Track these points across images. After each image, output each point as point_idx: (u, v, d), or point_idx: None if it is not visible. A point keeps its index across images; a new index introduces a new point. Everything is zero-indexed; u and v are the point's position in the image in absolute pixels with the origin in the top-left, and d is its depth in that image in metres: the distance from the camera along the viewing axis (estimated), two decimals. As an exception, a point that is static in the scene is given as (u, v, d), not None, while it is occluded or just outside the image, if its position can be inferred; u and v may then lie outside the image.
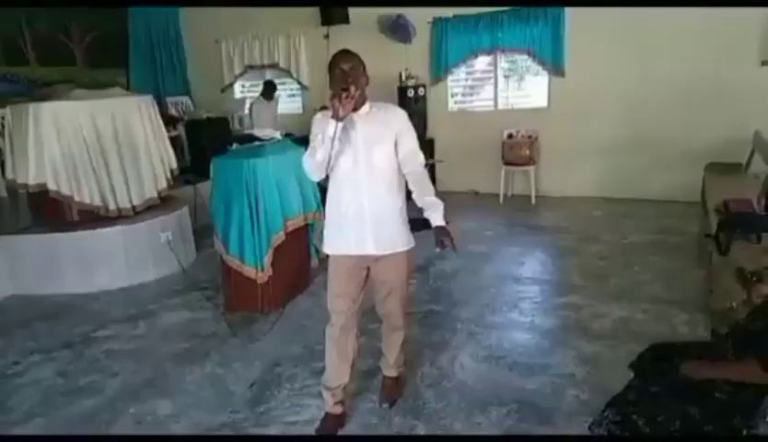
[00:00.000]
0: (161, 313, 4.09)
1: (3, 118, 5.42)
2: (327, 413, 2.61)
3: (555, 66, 6.71)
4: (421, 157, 2.44)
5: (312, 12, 7.79)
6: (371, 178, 2.33)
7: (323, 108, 3.20)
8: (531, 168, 6.77)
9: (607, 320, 3.54)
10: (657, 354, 2.05)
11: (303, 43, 8.22)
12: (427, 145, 7.28)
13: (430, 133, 7.47)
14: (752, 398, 1.74)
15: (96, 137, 4.66)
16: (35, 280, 4.56)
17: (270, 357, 3.31)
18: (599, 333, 3.38)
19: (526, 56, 6.96)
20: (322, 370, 2.63)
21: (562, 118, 6.79)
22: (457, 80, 7.57)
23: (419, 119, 7.18)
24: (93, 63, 8.20)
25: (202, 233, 5.41)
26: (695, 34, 5.91)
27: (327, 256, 2.52)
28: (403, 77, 7.23)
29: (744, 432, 1.72)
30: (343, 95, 2.15)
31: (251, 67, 8.75)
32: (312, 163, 2.29)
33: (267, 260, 3.75)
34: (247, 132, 7.17)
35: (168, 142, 5.41)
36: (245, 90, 9.22)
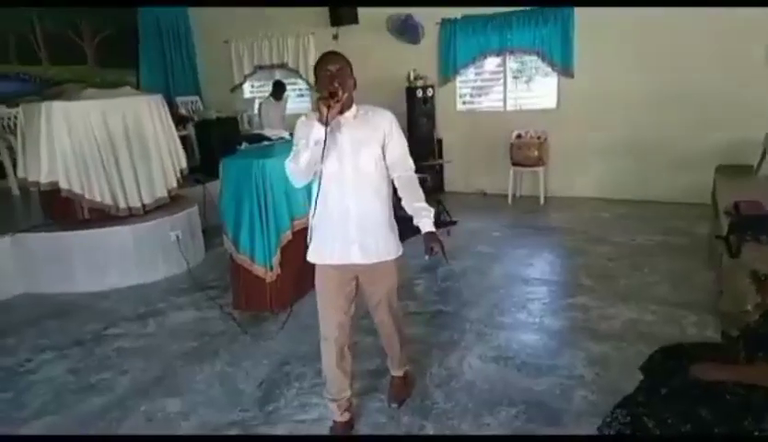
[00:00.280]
0: (170, 312, 4.12)
1: (15, 117, 5.48)
2: (335, 421, 2.58)
3: (565, 67, 6.69)
4: (410, 162, 2.37)
5: (321, 12, 7.81)
6: (357, 182, 2.25)
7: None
8: (540, 169, 6.75)
9: (615, 322, 3.53)
10: (668, 355, 2.04)
11: (312, 43, 8.24)
12: (435, 146, 7.28)
13: (438, 134, 7.46)
14: (764, 400, 1.73)
15: (107, 136, 4.69)
16: (47, 278, 4.60)
17: (278, 356, 3.32)
18: (607, 334, 3.37)
19: (535, 57, 6.95)
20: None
21: (571, 119, 6.77)
22: (465, 81, 7.56)
23: (427, 119, 7.21)
24: (103, 63, 8.28)
25: (211, 232, 5.43)
26: (705, 35, 5.87)
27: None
28: (412, 78, 7.22)
29: (755, 434, 1.71)
30: (333, 100, 2.08)
31: (261, 67, 8.79)
32: (295, 168, 2.20)
33: (276, 259, 3.77)
34: (256, 131, 7.22)
35: (178, 141, 5.44)
36: (254, 90, 9.26)
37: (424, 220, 2.24)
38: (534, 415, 2.62)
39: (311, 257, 2.38)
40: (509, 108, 7.32)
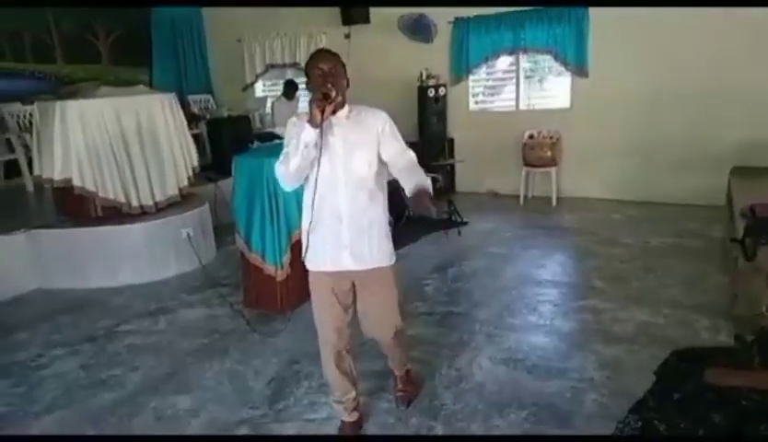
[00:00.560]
0: (181, 309, 4.14)
1: (30, 114, 5.54)
2: (344, 421, 2.57)
3: (578, 67, 6.63)
4: (409, 153, 2.26)
5: (333, 12, 7.81)
6: (350, 185, 2.17)
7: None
8: (553, 170, 6.70)
9: (627, 324, 3.50)
10: (681, 358, 2.01)
11: (324, 43, 8.22)
12: (447, 145, 7.25)
13: (450, 133, 7.43)
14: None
15: (120, 134, 4.73)
16: (60, 274, 4.65)
17: (288, 355, 3.33)
18: (619, 337, 3.34)
19: (548, 56, 6.90)
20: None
21: (584, 119, 6.71)
22: (478, 80, 7.53)
23: (438, 119, 7.18)
24: (117, 62, 8.36)
25: (222, 230, 5.46)
26: (719, 34, 5.79)
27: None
28: (424, 77, 7.19)
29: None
30: (326, 102, 1.99)
31: (273, 66, 8.80)
32: (285, 172, 2.12)
33: (286, 258, 3.78)
34: (268, 130, 7.24)
35: (190, 139, 5.47)
36: (266, 89, 9.28)
37: (420, 177, 2.14)
38: (544, 418, 2.60)
39: (307, 263, 2.32)
40: (522, 107, 7.28)
